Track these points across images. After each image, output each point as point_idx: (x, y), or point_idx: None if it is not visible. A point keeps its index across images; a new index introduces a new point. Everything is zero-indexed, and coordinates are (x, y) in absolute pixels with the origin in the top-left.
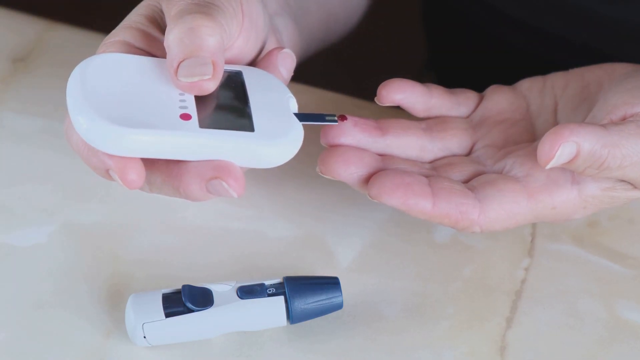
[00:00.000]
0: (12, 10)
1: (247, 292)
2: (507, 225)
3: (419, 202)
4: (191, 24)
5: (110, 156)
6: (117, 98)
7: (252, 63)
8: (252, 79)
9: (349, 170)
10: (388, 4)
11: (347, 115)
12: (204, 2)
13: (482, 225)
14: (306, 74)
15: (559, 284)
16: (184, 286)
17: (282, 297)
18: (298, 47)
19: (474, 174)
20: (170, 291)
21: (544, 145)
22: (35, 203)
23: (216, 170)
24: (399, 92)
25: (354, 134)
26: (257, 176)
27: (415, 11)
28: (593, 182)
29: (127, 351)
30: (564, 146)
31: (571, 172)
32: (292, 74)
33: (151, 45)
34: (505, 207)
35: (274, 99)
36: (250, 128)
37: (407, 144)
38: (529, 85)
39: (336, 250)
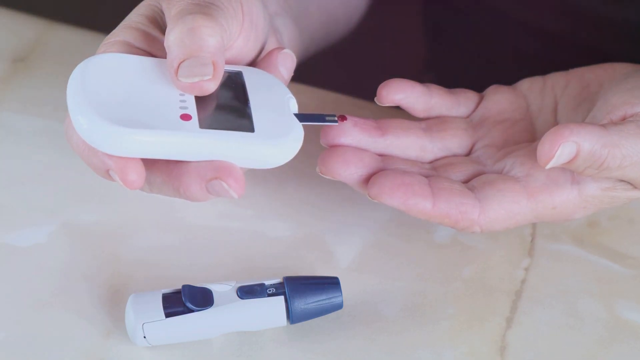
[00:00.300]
0: (12, 10)
1: (247, 292)
2: (507, 225)
3: (419, 202)
4: (192, 24)
5: (111, 156)
6: (118, 98)
7: (252, 63)
8: (252, 79)
9: (349, 171)
10: (388, 4)
11: (347, 116)
12: (204, 2)
13: (482, 225)
14: (306, 74)
15: (559, 284)
16: (184, 286)
17: (282, 297)
18: (298, 47)
19: (474, 174)
20: (170, 291)
21: (544, 145)
22: (35, 203)
23: (216, 171)
24: (399, 92)
25: (353, 134)
26: (257, 176)
27: (415, 11)
28: (593, 182)
29: (127, 351)
30: (564, 146)
31: (571, 172)
32: (292, 74)
33: (151, 46)
34: (505, 207)
35: (274, 99)
36: (251, 128)
37: (407, 144)
38: (529, 85)
39: (336, 250)
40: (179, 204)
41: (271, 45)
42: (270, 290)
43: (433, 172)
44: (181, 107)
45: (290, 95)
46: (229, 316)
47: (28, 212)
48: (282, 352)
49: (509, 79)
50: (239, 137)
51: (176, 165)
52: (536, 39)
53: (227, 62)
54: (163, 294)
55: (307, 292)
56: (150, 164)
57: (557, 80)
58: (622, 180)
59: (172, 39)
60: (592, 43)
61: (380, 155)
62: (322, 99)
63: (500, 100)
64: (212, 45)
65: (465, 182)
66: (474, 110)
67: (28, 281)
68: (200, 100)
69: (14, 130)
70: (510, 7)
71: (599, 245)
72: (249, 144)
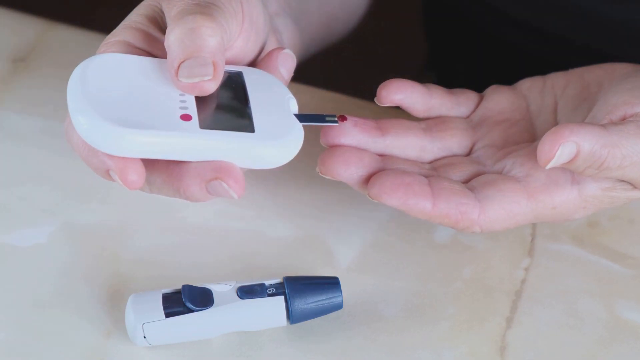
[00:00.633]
0: (12, 10)
1: (247, 292)
2: (507, 225)
3: (419, 202)
4: (192, 24)
5: (111, 156)
6: (118, 98)
7: (252, 63)
8: (253, 79)
9: (349, 171)
10: (388, 4)
11: (347, 116)
12: (205, 2)
13: (482, 225)
14: (306, 74)
15: (559, 284)
16: (184, 286)
17: (282, 297)
18: (298, 47)
19: (474, 174)
20: (170, 291)
21: (544, 145)
22: (35, 203)
23: (216, 171)
24: (399, 92)
25: (353, 134)
26: (257, 176)
27: (415, 11)
28: (593, 182)
29: (127, 351)
30: (564, 146)
31: (571, 172)
32: (292, 74)
33: (151, 46)
34: (505, 207)
35: (274, 99)
36: (251, 129)
37: (407, 144)
38: (529, 85)
39: (336, 250)
40: (179, 204)
41: (271, 45)
42: (270, 290)
43: (433, 172)
44: (181, 108)
45: (291, 95)
46: (229, 316)
47: (28, 212)
48: (282, 352)
49: (509, 79)
50: (239, 137)
51: (176, 165)
52: (536, 39)
53: (227, 62)
54: (163, 294)
55: (307, 292)
56: (150, 164)
57: (557, 80)
58: (622, 181)
59: (172, 39)
60: (592, 43)
61: (380, 155)
62: (322, 99)
63: (500, 100)
64: (213, 45)
65: (465, 182)
66: (474, 111)
67: (28, 281)
68: (200, 101)
69: (14, 130)
70: (510, 7)
71: (599, 245)
72: (249, 144)
